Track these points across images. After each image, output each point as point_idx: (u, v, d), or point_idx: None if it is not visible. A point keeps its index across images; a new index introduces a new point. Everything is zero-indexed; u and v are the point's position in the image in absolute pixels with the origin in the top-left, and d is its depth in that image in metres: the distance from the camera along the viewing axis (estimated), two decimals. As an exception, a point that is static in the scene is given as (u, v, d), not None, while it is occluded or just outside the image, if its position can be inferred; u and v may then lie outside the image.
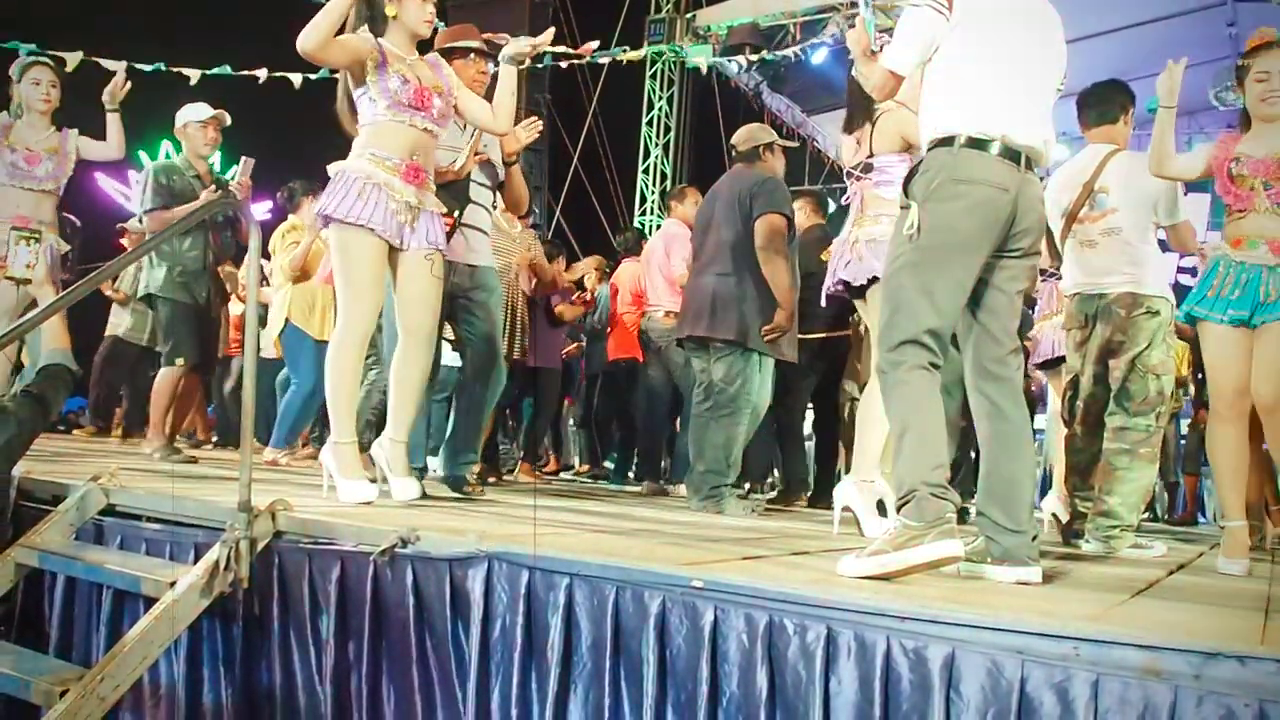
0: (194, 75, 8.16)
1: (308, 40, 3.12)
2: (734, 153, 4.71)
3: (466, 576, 2.22)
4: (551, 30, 3.51)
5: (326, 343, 5.65)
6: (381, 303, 3.37)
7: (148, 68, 7.67)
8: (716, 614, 1.93)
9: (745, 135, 4.68)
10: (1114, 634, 1.60)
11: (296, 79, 8.38)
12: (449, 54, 3.84)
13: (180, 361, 4.89)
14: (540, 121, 4.14)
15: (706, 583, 1.95)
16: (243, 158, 5.11)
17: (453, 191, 3.83)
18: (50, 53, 6.89)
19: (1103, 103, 3.84)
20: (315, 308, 5.71)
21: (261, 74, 8.52)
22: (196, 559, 2.59)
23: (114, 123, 4.71)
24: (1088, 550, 3.54)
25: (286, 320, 5.69)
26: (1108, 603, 2.06)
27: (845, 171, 4.03)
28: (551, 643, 2.09)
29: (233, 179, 5.06)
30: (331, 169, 3.30)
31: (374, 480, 3.26)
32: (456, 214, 3.85)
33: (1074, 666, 1.60)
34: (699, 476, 4.34)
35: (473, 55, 3.93)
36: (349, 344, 3.26)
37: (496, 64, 3.61)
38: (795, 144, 5.06)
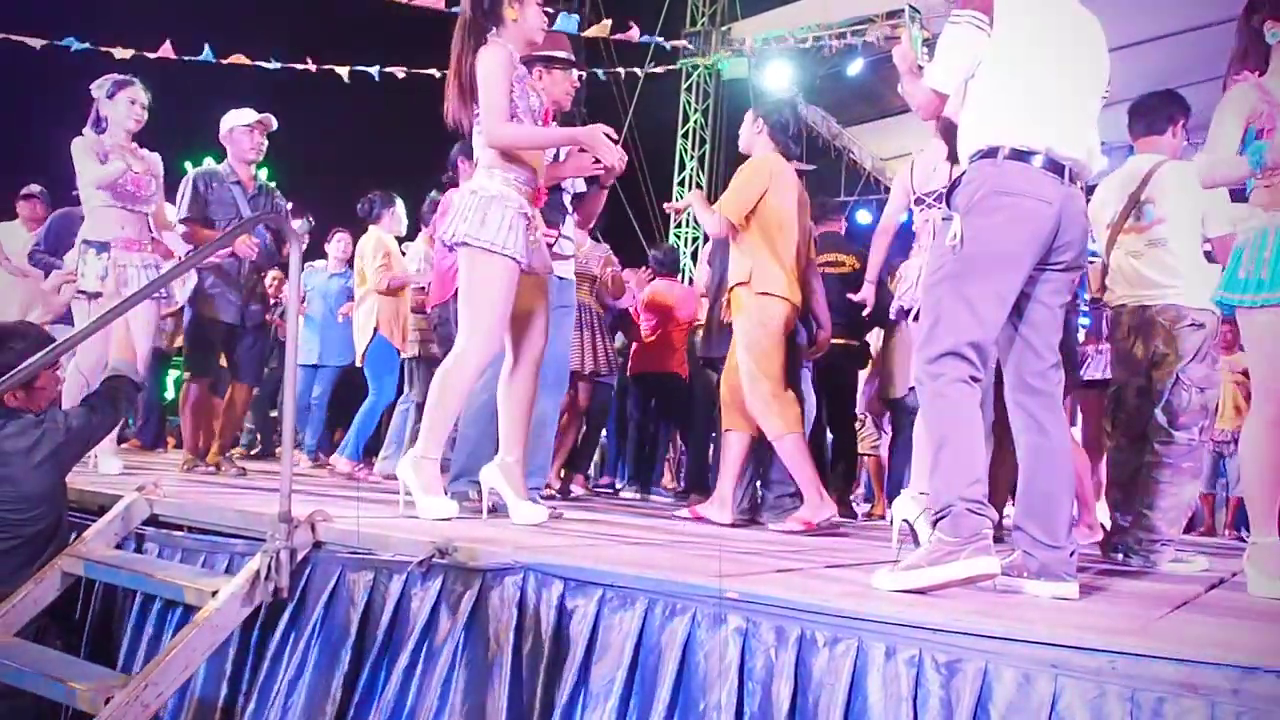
0: (243, 60, 8.29)
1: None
2: None
3: (502, 587, 2.23)
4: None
5: (410, 358, 5.79)
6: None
7: (199, 58, 7.83)
8: (748, 626, 1.93)
9: None
10: (1150, 648, 1.58)
11: (344, 72, 8.55)
12: (541, 63, 3.77)
13: (190, 376, 4.92)
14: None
15: (740, 594, 1.96)
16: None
17: (554, 203, 3.81)
18: (102, 48, 7.02)
19: (1152, 113, 3.77)
20: (399, 319, 5.78)
21: (309, 65, 8.64)
22: (231, 569, 2.63)
23: None
24: (1128, 564, 3.49)
25: (375, 331, 5.73)
26: (1145, 617, 2.03)
27: (916, 197, 4.05)
28: (585, 653, 2.10)
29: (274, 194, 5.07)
30: (467, 190, 3.25)
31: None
32: (561, 225, 3.84)
33: (1109, 681, 1.58)
34: (764, 489, 4.40)
35: (563, 66, 3.87)
36: (471, 367, 3.20)
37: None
38: (810, 167, 5.12)
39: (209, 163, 5.15)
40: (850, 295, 4.79)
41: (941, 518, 2.23)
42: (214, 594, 2.47)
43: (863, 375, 6.13)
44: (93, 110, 4.42)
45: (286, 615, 2.54)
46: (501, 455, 3.36)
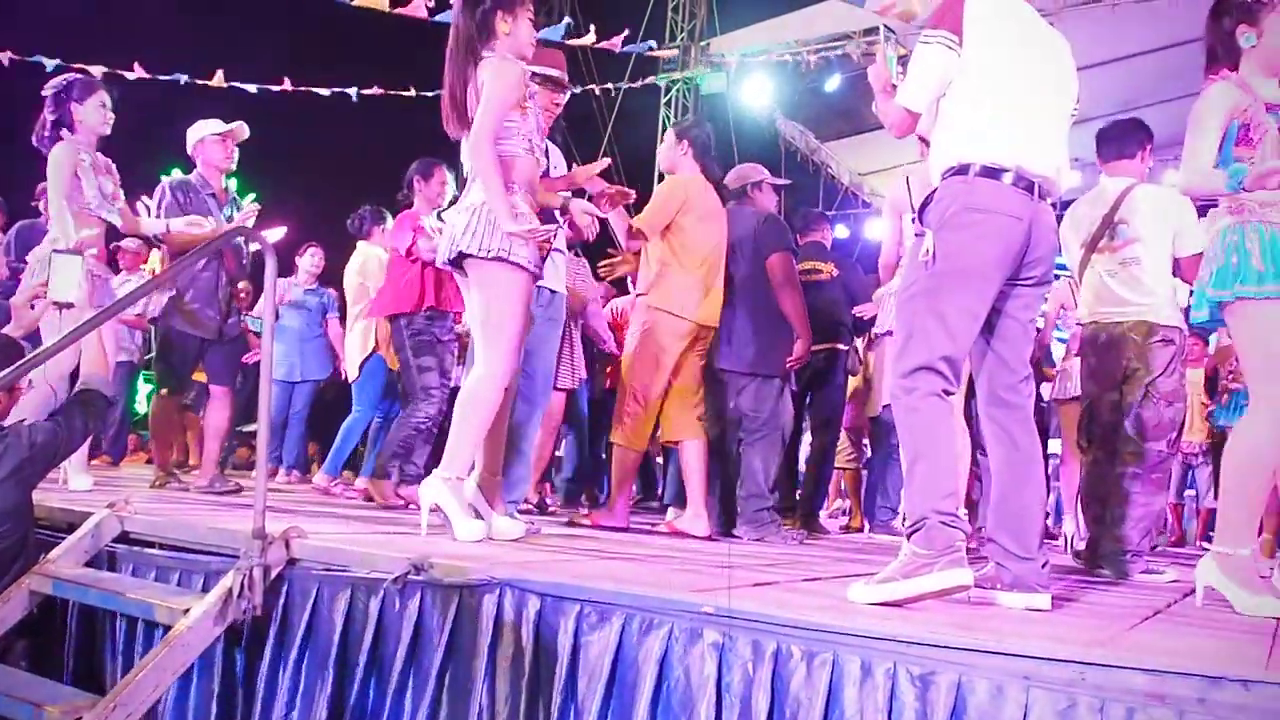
0: (217, 77, 8.27)
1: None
2: (726, 192, 4.85)
3: (479, 603, 2.22)
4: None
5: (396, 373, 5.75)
6: None
7: (171, 78, 7.84)
8: (725, 640, 1.93)
9: (735, 175, 4.88)
10: (1120, 659, 1.60)
11: (325, 92, 8.57)
12: (535, 79, 3.75)
13: (164, 391, 4.83)
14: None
15: (717, 609, 1.96)
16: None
17: (545, 214, 3.80)
18: (76, 65, 6.98)
19: (1121, 139, 3.93)
20: (387, 339, 5.76)
21: (286, 85, 8.63)
22: (206, 587, 2.60)
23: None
24: (1100, 575, 3.54)
25: (374, 349, 5.71)
26: (1115, 628, 2.06)
27: (915, 214, 4.12)
28: (562, 669, 2.10)
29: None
30: (478, 202, 3.18)
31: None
32: (554, 238, 3.86)
33: (1079, 691, 1.60)
34: (741, 502, 4.43)
35: (552, 85, 3.87)
36: (498, 385, 3.20)
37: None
38: (786, 182, 5.18)
39: (177, 174, 5.05)
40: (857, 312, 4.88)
41: (916, 530, 2.25)
42: (185, 612, 2.44)
43: (853, 382, 6.13)
44: (47, 111, 4.28)
45: (271, 635, 2.51)
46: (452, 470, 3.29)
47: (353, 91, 8.76)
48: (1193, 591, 2.76)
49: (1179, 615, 2.47)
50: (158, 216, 4.70)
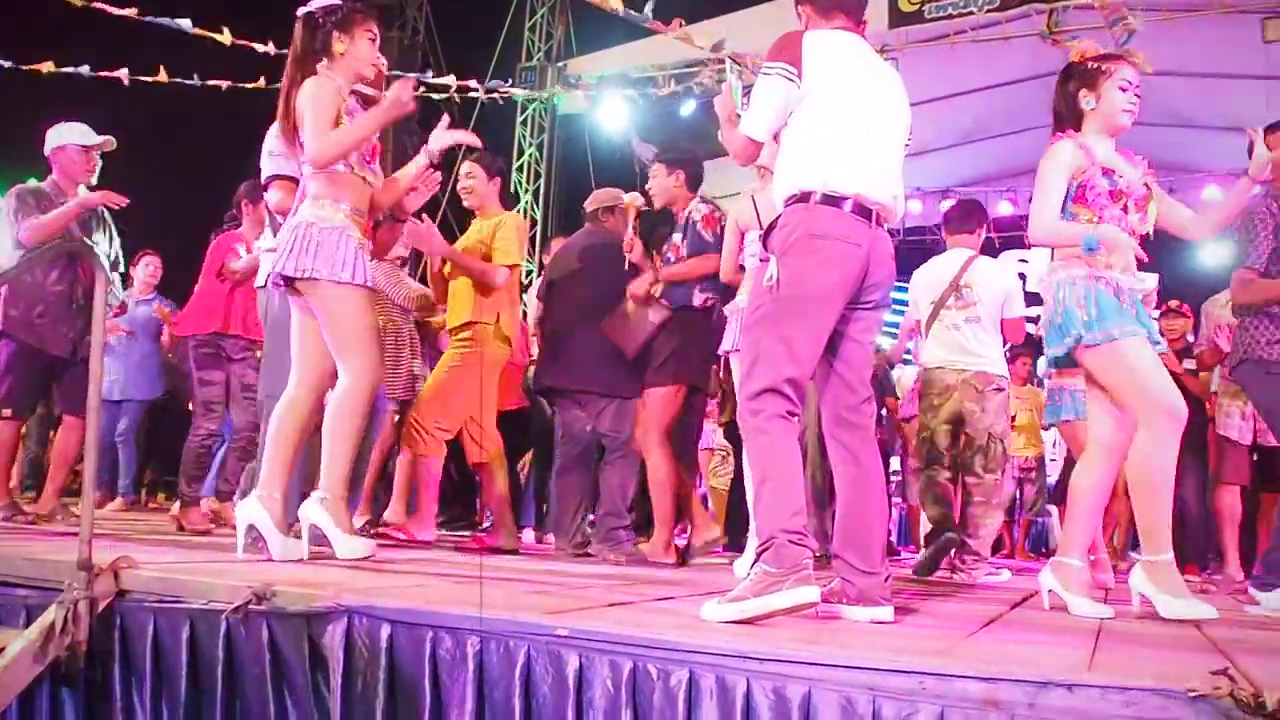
0: (46, 68, 7.77)
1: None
2: (583, 214, 5.00)
3: (325, 632, 2.14)
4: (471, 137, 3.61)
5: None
6: None
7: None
8: (582, 662, 1.92)
9: (591, 199, 5.02)
10: (957, 667, 1.67)
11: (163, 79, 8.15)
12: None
13: (7, 413, 4.49)
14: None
15: (572, 631, 1.95)
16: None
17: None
18: None
19: (961, 217, 4.87)
20: None
21: (123, 74, 8.14)
22: (29, 622, 2.42)
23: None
24: (947, 581, 4.11)
25: None
26: (953, 637, 2.16)
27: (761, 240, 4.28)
28: (416, 698, 2.04)
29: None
30: (304, 222, 3.16)
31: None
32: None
33: (920, 700, 1.66)
34: (598, 520, 4.47)
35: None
36: (367, 395, 3.19)
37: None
38: (645, 205, 5.26)
39: (32, 182, 4.64)
40: None
41: (765, 549, 2.30)
42: (0, 650, 2.26)
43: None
44: None
45: (116, 673, 2.35)
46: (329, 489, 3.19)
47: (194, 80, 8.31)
48: (1025, 599, 2.94)
49: (1012, 623, 2.61)
50: (13, 223, 4.39)
